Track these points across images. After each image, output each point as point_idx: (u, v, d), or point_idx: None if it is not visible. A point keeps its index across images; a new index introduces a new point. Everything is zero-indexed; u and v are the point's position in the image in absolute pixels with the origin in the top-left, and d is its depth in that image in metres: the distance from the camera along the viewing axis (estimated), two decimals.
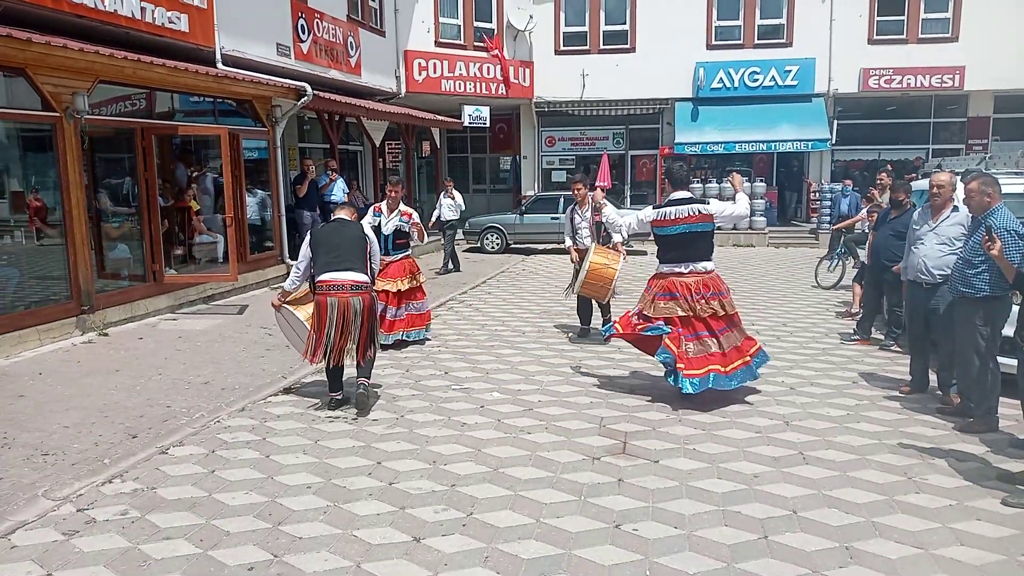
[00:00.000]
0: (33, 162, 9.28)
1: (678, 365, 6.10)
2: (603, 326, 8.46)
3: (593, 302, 8.72)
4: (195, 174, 11.67)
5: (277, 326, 6.94)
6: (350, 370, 6.22)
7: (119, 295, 9.58)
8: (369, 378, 6.16)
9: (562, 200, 18.02)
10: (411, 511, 4.32)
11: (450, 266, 14.55)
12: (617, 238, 8.31)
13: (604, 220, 7.21)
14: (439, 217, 14.77)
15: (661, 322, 6.23)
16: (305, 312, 6.32)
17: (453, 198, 14.80)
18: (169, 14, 10.08)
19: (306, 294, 6.42)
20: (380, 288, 7.88)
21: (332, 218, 6.42)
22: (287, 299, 6.50)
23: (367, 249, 6.23)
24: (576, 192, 8.90)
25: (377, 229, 8.03)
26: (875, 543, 3.91)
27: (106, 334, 8.88)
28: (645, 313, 6.34)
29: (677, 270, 6.31)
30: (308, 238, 6.24)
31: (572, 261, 9.01)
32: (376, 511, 4.33)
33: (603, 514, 4.26)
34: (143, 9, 9.62)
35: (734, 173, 6.99)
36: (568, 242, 9.03)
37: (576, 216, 8.94)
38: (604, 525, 4.14)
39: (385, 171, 19.22)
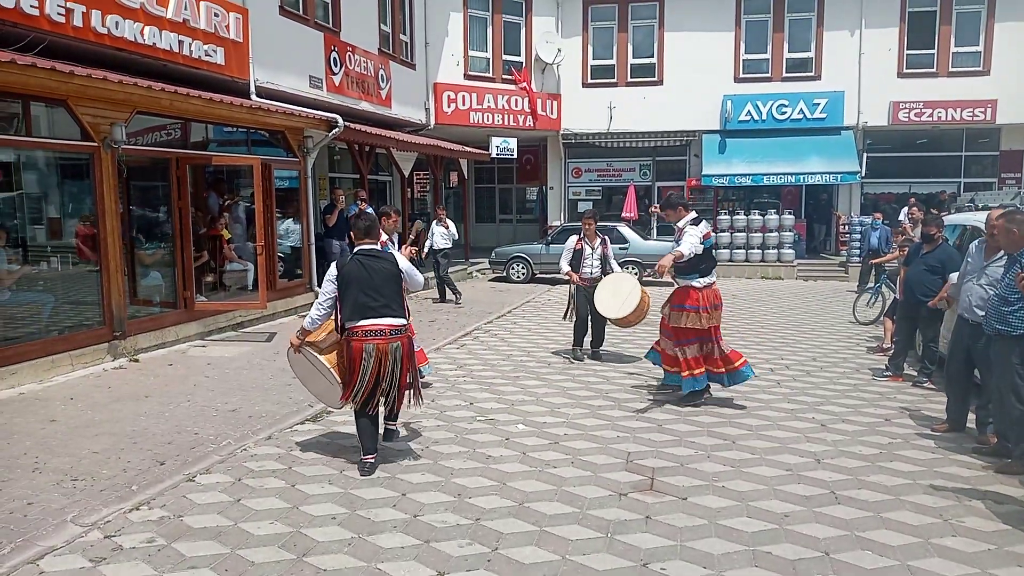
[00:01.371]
0: (70, 190, 9.49)
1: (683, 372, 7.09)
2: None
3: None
4: (227, 203, 11.86)
5: (291, 367, 5.97)
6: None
7: (150, 321, 9.71)
8: (396, 420, 5.94)
9: None
10: (435, 545, 4.29)
11: (448, 295, 14.33)
12: (617, 268, 9.48)
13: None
14: (431, 246, 14.64)
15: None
16: (331, 358, 5.55)
17: (447, 227, 14.74)
18: (206, 47, 10.33)
19: (330, 334, 5.64)
20: None
21: (357, 248, 5.50)
22: (306, 339, 5.63)
23: (404, 286, 5.55)
24: (587, 226, 9.31)
25: None
26: None
27: (137, 360, 9.00)
28: (700, 325, 6.98)
29: (713, 279, 7.09)
30: (333, 272, 5.41)
31: (576, 283, 9.26)
32: (400, 544, 4.30)
33: (630, 552, 4.20)
34: (180, 42, 9.87)
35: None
36: (567, 268, 9.35)
37: (586, 248, 9.31)
38: (631, 564, 4.07)
39: (414, 201, 19.39)
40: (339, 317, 5.41)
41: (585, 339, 9.47)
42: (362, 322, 5.29)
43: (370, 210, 13.96)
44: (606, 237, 9.42)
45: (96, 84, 8.19)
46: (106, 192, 8.80)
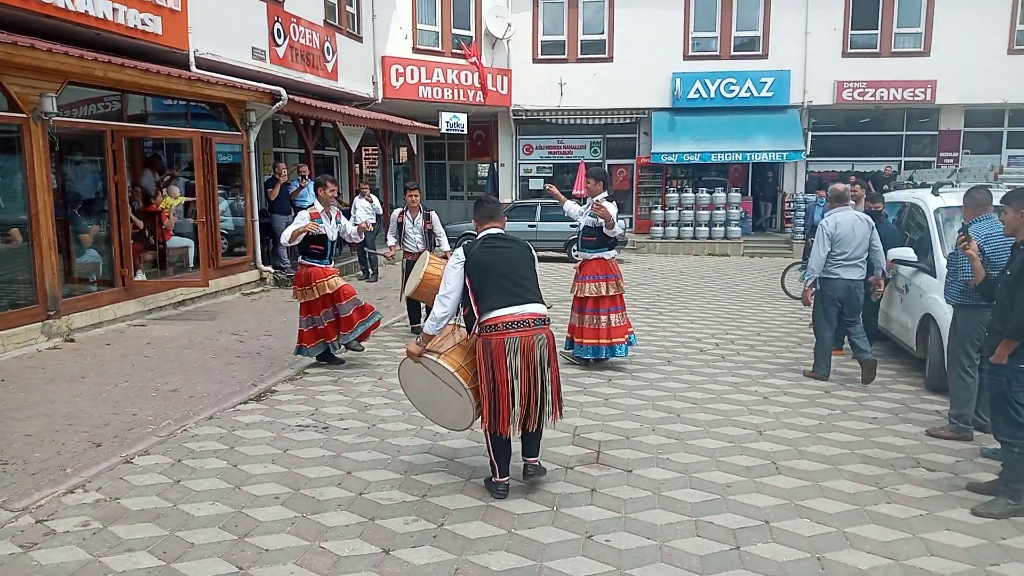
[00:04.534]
0: None
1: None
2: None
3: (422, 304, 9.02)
4: (167, 178, 11.50)
5: (404, 389, 5.07)
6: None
7: (86, 300, 9.39)
8: (539, 455, 4.74)
9: (539, 207, 18.04)
10: (381, 522, 4.25)
11: (370, 272, 14.24)
12: (446, 246, 9.29)
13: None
14: (354, 221, 14.32)
15: None
16: (452, 361, 4.62)
17: (370, 201, 14.57)
18: (142, 16, 9.94)
19: (445, 337, 4.79)
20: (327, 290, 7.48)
21: (484, 232, 4.74)
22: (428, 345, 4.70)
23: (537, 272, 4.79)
24: (410, 199, 9.43)
25: (323, 238, 7.45)
26: (846, 553, 3.91)
27: (72, 340, 8.71)
28: (620, 291, 7.60)
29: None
30: (459, 259, 4.57)
31: (387, 258, 10.00)
32: (345, 522, 4.26)
33: (575, 525, 4.23)
34: (115, 10, 9.47)
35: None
36: (392, 241, 9.65)
37: (407, 222, 9.49)
38: (576, 536, 4.10)
39: (362, 176, 19.09)
40: (474, 311, 4.52)
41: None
42: (502, 312, 4.43)
43: (311, 183, 13.73)
44: (431, 213, 9.51)
45: (23, 52, 7.80)
46: (37, 166, 8.44)
